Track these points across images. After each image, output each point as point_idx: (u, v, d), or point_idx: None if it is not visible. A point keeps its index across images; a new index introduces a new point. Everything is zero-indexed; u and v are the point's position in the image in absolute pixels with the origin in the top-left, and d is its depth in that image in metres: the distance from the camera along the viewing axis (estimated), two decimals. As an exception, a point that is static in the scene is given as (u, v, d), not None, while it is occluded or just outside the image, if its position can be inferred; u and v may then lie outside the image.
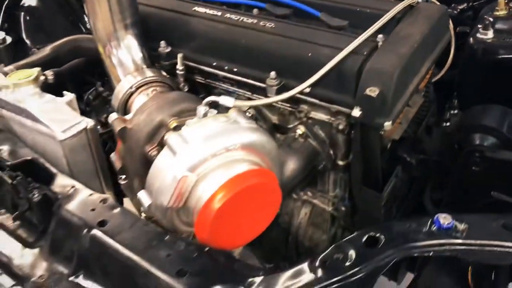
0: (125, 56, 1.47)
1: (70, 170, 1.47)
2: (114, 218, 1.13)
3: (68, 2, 2.60)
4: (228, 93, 1.55)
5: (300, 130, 1.42)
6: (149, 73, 1.46)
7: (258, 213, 1.18)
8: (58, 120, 1.43)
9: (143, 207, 1.16)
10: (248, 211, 1.14)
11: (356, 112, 1.20)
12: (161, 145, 1.28)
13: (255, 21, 1.41)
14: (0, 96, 1.51)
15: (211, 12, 1.50)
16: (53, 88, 1.62)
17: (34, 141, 1.50)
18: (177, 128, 1.27)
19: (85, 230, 1.10)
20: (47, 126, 1.41)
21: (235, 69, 1.43)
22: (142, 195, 1.16)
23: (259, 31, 1.38)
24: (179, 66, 1.49)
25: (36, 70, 1.52)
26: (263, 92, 1.37)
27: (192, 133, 1.11)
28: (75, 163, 1.47)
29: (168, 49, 1.53)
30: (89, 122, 1.47)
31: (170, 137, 1.12)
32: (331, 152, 1.44)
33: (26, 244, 1.23)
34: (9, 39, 1.90)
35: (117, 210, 1.15)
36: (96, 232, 1.09)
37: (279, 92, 1.32)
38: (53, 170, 1.31)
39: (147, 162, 1.29)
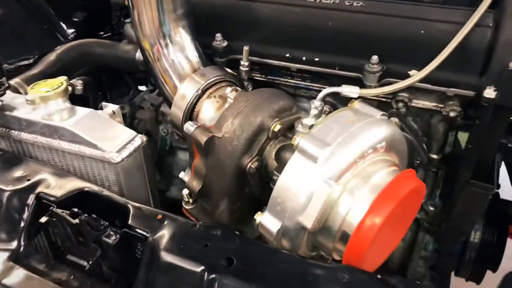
0: (179, 55, 1.20)
1: (122, 193, 1.17)
2: (240, 252, 0.87)
3: (40, 8, 2.23)
4: (298, 89, 1.33)
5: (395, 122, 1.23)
6: (213, 72, 1.20)
7: (402, 222, 0.97)
8: (107, 138, 1.13)
9: (268, 233, 0.91)
10: (397, 222, 0.93)
11: (490, 93, 1.03)
12: (261, 155, 1.03)
13: (337, 0, 1.20)
14: (19, 114, 1.18)
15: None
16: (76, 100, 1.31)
17: (72, 168, 1.19)
18: (281, 132, 1.03)
19: (207, 274, 0.83)
20: (96, 146, 1.11)
21: (317, 59, 1.21)
22: (267, 219, 0.91)
23: (346, 11, 1.17)
24: (244, 61, 1.25)
25: (63, 79, 1.21)
26: (353, 83, 1.17)
27: (328, 134, 0.89)
28: (130, 188, 1.18)
29: (225, 43, 1.28)
30: (142, 137, 1.19)
31: (304, 141, 0.88)
32: (424, 146, 1.27)
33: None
34: None
35: (238, 240, 0.89)
36: (222, 275, 0.83)
37: (380, 79, 1.13)
38: (120, 199, 1.01)
39: (243, 177, 1.03)
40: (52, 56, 1.49)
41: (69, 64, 1.51)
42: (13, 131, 1.20)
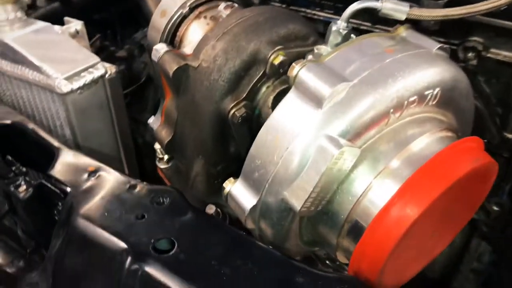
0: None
1: (76, 142, 0.89)
2: (187, 233, 0.56)
3: None
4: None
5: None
6: (211, -14, 0.87)
7: (451, 219, 0.63)
8: (58, 60, 0.85)
9: (239, 210, 0.60)
10: (443, 219, 0.59)
11: None
12: (252, 98, 0.71)
13: None
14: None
15: None
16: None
17: (20, 99, 0.92)
18: (284, 66, 0.69)
19: (129, 260, 0.53)
20: (40, 69, 0.83)
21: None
22: (240, 189, 0.59)
23: None
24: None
25: (15, -17, 0.93)
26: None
27: (349, 65, 0.55)
28: (85, 132, 0.89)
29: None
30: (109, 68, 0.90)
31: (305, 72, 0.55)
32: (498, 120, 0.90)
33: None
34: None
35: (190, 215, 0.58)
36: (151, 266, 0.52)
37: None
38: (53, 141, 0.72)
39: (224, 129, 0.72)
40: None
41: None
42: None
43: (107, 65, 0.90)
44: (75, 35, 0.92)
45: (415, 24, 0.68)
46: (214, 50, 0.69)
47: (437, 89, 0.55)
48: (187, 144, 0.77)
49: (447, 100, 0.58)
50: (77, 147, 0.88)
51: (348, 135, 0.53)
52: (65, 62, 0.84)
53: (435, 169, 0.52)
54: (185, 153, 0.79)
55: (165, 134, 0.80)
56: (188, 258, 0.53)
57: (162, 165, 0.88)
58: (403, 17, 0.62)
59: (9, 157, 0.70)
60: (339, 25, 0.63)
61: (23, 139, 0.74)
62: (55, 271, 0.59)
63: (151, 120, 0.85)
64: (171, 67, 0.71)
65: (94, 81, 0.86)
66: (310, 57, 0.64)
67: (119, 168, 0.65)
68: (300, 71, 0.55)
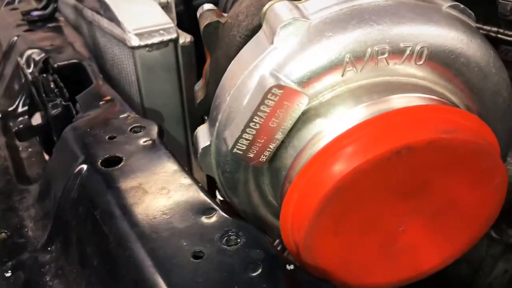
0: None
1: (141, 95, 0.97)
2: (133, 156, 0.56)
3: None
4: None
5: None
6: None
7: (437, 218, 0.50)
8: (137, 19, 0.95)
9: (196, 154, 0.58)
10: (416, 209, 0.47)
11: None
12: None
13: None
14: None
15: None
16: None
17: (109, 53, 1.05)
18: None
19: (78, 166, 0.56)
20: (121, 24, 0.94)
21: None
22: (201, 131, 0.58)
23: None
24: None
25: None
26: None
27: (324, 5, 0.50)
28: (149, 89, 0.97)
29: None
30: (184, 35, 0.96)
31: (274, 7, 0.51)
32: None
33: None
34: None
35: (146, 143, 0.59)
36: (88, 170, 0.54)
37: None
38: (97, 78, 0.81)
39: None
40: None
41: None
42: None
43: (185, 34, 0.97)
44: (165, 4, 1.01)
45: None
46: (240, 7, 0.69)
47: (420, 45, 0.45)
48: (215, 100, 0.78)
49: (445, 67, 0.47)
50: (141, 103, 0.96)
51: (297, 78, 0.47)
52: (142, 21, 0.93)
53: (388, 127, 0.42)
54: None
55: (200, 95, 0.82)
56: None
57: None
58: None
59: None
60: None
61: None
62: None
63: (196, 85, 0.88)
64: (204, 22, 0.73)
65: (164, 43, 0.93)
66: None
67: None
68: (269, 7, 0.51)
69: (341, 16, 0.46)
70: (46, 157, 0.79)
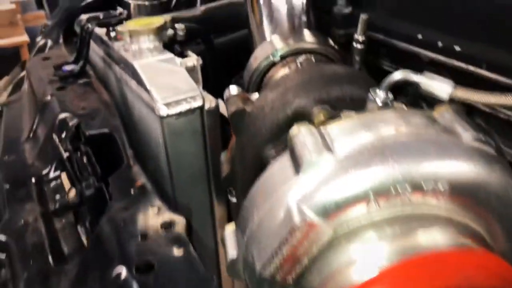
0: (279, 5, 0.94)
1: (168, 162, 1.01)
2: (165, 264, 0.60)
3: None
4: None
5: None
6: (309, 37, 0.90)
7: None
8: (165, 87, 0.98)
9: (226, 259, 0.61)
10: None
11: None
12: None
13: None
14: (110, 44, 1.15)
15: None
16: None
17: (136, 111, 1.09)
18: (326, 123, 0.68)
19: (114, 271, 0.60)
20: (149, 91, 0.98)
21: (458, 48, 0.77)
22: (229, 237, 0.61)
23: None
24: (359, 36, 0.90)
25: (163, 19, 1.11)
26: None
27: (348, 134, 0.52)
28: (177, 154, 1.00)
29: (348, 9, 0.95)
30: (209, 100, 0.99)
31: (299, 134, 0.54)
32: None
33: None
34: None
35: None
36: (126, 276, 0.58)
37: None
38: (129, 154, 0.85)
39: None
40: (200, 8, 1.42)
41: (215, 22, 1.40)
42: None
43: (210, 97, 1.00)
44: (192, 68, 1.04)
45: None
46: (265, 99, 0.72)
47: (441, 182, 0.48)
48: (237, 183, 0.81)
49: (466, 198, 0.49)
50: (167, 163, 1.00)
51: (322, 210, 0.49)
52: (170, 90, 0.96)
53: (431, 267, 0.44)
54: (236, 191, 0.83)
55: (225, 169, 0.85)
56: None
57: (231, 198, 0.94)
58: (444, 97, 0.55)
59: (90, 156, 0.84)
60: (379, 94, 0.59)
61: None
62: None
63: (223, 155, 0.91)
64: (231, 109, 0.77)
65: (191, 110, 0.96)
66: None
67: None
68: (295, 134, 0.54)
69: (364, 152, 0.49)
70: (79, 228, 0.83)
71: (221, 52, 1.45)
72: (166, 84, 0.99)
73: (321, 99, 0.69)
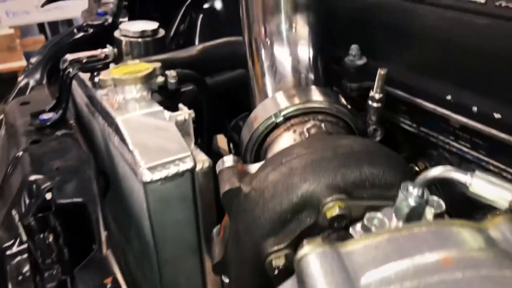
0: (284, 58, 0.82)
1: (153, 232, 0.87)
2: None
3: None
4: (466, 161, 0.77)
5: None
6: (317, 95, 0.78)
7: None
8: (150, 147, 0.85)
9: None
10: None
11: None
12: (295, 247, 0.57)
13: None
14: (93, 92, 1.02)
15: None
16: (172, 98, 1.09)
17: (120, 168, 0.96)
18: (343, 221, 0.54)
19: None
20: (133, 153, 0.85)
21: (497, 115, 0.64)
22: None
23: None
24: (376, 93, 0.78)
25: (152, 65, 0.99)
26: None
27: (377, 266, 0.38)
28: (163, 224, 0.87)
29: (362, 61, 0.83)
30: (201, 160, 0.86)
31: (312, 258, 0.40)
32: None
33: None
34: (162, 32, 1.44)
35: None
36: None
37: None
38: (102, 236, 0.71)
39: (261, 273, 0.59)
40: (196, 47, 1.30)
41: (211, 62, 1.28)
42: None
43: (203, 157, 0.87)
44: (183, 123, 0.91)
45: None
46: (266, 181, 0.59)
47: None
48: (231, 273, 0.67)
49: None
50: (152, 234, 0.86)
51: None
52: (155, 150, 0.83)
53: None
54: (230, 280, 0.69)
55: (217, 252, 0.71)
56: None
57: (225, 279, 0.80)
58: (503, 205, 0.42)
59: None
60: (410, 192, 0.46)
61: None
62: None
63: (215, 230, 0.77)
64: (224, 186, 0.63)
65: (179, 174, 0.83)
66: (359, 225, 0.47)
67: None
68: (305, 256, 0.40)
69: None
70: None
71: (218, 91, 1.32)
72: (152, 143, 0.86)
73: (333, 184, 0.55)
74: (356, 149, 0.58)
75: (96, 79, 1.06)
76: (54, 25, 4.94)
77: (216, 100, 1.29)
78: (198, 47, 1.31)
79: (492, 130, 0.65)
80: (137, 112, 0.92)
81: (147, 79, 0.96)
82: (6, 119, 1.18)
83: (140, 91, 0.96)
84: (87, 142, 1.22)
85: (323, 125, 0.70)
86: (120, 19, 1.74)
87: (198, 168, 0.86)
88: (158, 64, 1.00)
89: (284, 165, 0.58)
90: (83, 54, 1.23)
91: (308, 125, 0.70)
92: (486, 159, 0.71)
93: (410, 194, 0.46)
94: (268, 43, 0.81)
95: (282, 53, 0.81)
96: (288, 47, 0.80)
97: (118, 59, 1.39)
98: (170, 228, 0.88)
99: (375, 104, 0.77)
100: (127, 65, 1.00)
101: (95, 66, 1.07)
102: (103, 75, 0.96)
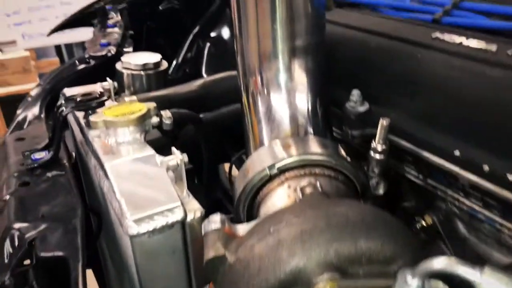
0: (281, 105, 0.77)
1: (141, 286, 0.82)
2: None
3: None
4: (476, 220, 0.70)
5: None
6: (315, 146, 0.72)
7: None
8: (137, 198, 0.80)
9: None
10: None
11: None
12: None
13: None
14: (86, 132, 0.98)
15: (474, 45, 0.69)
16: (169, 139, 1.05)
17: (112, 213, 0.92)
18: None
19: None
20: (120, 203, 0.80)
21: (510, 176, 0.58)
22: None
23: None
24: (378, 144, 0.72)
25: (147, 106, 0.95)
26: None
27: None
28: (150, 275, 0.82)
29: (364, 107, 0.77)
30: (193, 210, 0.81)
31: None
32: None
33: None
34: (165, 64, 1.40)
35: None
36: None
37: None
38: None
39: None
40: (196, 82, 1.26)
41: (211, 98, 1.24)
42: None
43: (195, 205, 0.82)
44: (175, 168, 0.87)
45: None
46: (252, 252, 0.53)
47: None
48: None
49: None
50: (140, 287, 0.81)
51: None
52: (143, 200, 0.79)
53: None
54: None
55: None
56: None
57: None
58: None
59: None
60: (409, 284, 0.40)
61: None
62: None
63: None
64: (208, 253, 0.58)
65: (168, 226, 0.78)
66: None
67: None
68: None
69: None
70: None
71: (222, 122, 1.28)
72: (140, 192, 0.81)
73: (325, 260, 0.49)
74: (352, 219, 0.52)
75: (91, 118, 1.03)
76: (70, 47, 5.01)
77: (220, 131, 1.25)
78: (199, 82, 1.27)
79: (505, 192, 0.59)
80: (128, 156, 0.87)
81: (141, 120, 0.92)
82: (3, 154, 1.15)
83: (133, 134, 0.92)
84: (84, 177, 1.18)
85: (318, 183, 0.64)
86: (125, 49, 1.72)
87: (189, 218, 0.81)
88: (153, 104, 0.96)
89: (272, 235, 0.53)
90: (81, 89, 1.20)
91: (303, 182, 0.64)
92: (499, 220, 0.64)
93: (409, 286, 0.40)
94: (265, 90, 0.76)
95: (279, 100, 0.76)
96: (285, 94, 0.75)
97: (119, 91, 1.36)
98: (160, 282, 0.83)
99: (377, 156, 0.72)
100: (121, 105, 0.96)
101: (89, 105, 1.03)
102: (95, 117, 0.92)
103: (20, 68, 4.65)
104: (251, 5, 0.75)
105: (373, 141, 0.72)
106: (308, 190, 0.62)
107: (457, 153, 0.64)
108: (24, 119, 1.30)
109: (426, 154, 0.69)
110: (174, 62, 2.15)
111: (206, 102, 1.25)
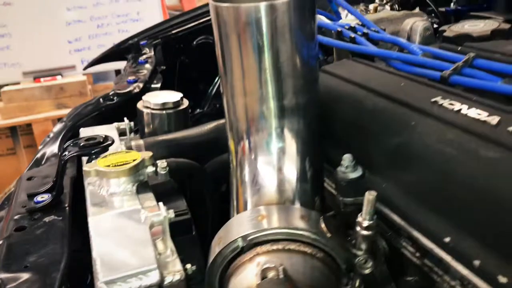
0: (267, 169, 0.72)
1: None
2: None
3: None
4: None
5: None
6: (296, 218, 0.66)
7: None
8: (112, 257, 0.77)
9: None
10: None
11: None
12: None
13: None
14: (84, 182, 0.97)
15: (473, 114, 0.61)
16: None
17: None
18: None
19: None
20: (94, 262, 0.77)
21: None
22: None
23: None
24: (364, 220, 0.64)
25: (142, 156, 0.92)
26: None
27: None
28: None
29: (356, 173, 0.70)
30: (172, 272, 0.77)
31: None
32: None
33: None
34: (185, 103, 1.38)
35: None
36: None
37: None
38: None
39: None
40: (208, 126, 1.23)
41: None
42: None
43: (176, 267, 0.78)
44: (160, 223, 0.83)
45: None
46: None
47: None
48: None
49: None
50: None
51: None
52: (119, 260, 0.75)
53: None
54: None
55: None
56: None
57: None
58: None
59: None
60: None
61: None
62: None
63: None
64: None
65: (143, 292, 0.74)
66: None
67: None
68: None
69: None
70: None
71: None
72: (118, 251, 0.78)
73: None
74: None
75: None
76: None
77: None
78: (211, 124, 1.25)
79: (499, 295, 0.50)
80: (113, 211, 0.85)
81: (133, 171, 0.90)
82: (12, 195, 1.17)
83: (125, 184, 0.90)
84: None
85: (283, 267, 0.57)
86: (153, 85, 1.73)
87: (167, 281, 0.77)
88: (149, 154, 0.94)
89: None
90: (96, 129, 1.22)
91: (269, 263, 0.58)
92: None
93: None
94: (252, 156, 0.71)
95: (265, 166, 0.71)
96: (273, 159, 0.70)
97: (140, 130, 1.36)
98: None
99: (364, 232, 0.64)
100: (117, 154, 0.95)
101: (91, 150, 1.02)
102: (88, 166, 0.91)
103: (77, 91, 4.88)
104: (236, 61, 0.71)
105: (359, 215, 0.65)
106: (269, 274, 0.56)
107: (447, 239, 0.56)
108: (43, 156, 1.32)
109: (416, 234, 0.61)
110: (206, 97, 2.15)
111: (217, 146, 1.22)
